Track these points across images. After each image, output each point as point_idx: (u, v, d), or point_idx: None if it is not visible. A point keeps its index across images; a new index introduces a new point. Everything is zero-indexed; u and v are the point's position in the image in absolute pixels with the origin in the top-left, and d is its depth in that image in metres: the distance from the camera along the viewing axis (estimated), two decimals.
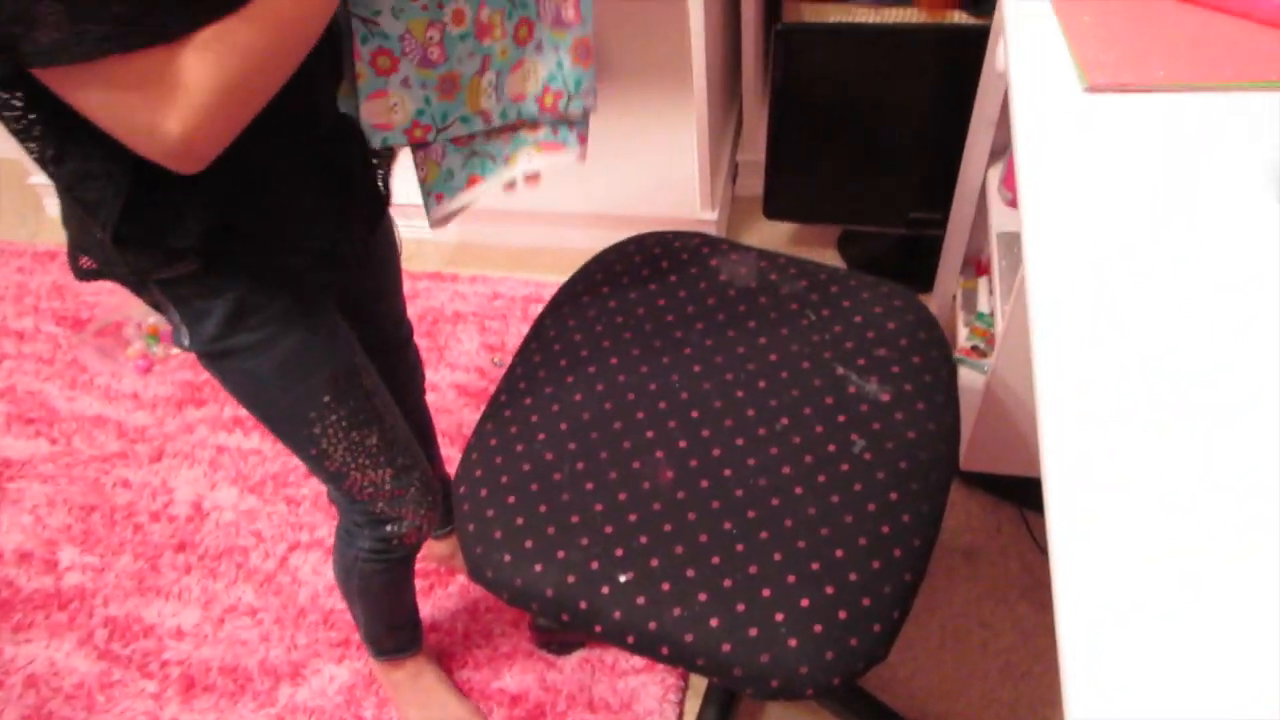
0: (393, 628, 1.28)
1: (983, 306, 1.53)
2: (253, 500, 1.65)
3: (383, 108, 0.87)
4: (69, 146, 0.68)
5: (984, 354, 1.47)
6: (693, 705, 1.36)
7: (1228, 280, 0.68)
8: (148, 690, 1.43)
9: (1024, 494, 1.52)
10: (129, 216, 0.71)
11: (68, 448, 1.77)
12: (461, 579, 1.51)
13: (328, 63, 0.81)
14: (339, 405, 0.92)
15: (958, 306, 1.61)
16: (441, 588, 1.50)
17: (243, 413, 1.79)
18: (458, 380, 1.81)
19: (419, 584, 1.50)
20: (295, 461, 1.69)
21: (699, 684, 1.37)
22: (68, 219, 0.80)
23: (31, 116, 0.65)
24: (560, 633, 1.40)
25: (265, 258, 0.81)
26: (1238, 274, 0.68)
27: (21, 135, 0.67)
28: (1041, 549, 1.49)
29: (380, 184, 0.95)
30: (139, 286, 0.82)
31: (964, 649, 1.41)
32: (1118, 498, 0.57)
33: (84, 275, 0.80)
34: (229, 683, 1.42)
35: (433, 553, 1.49)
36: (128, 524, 1.64)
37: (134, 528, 1.63)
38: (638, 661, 1.39)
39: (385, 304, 1.10)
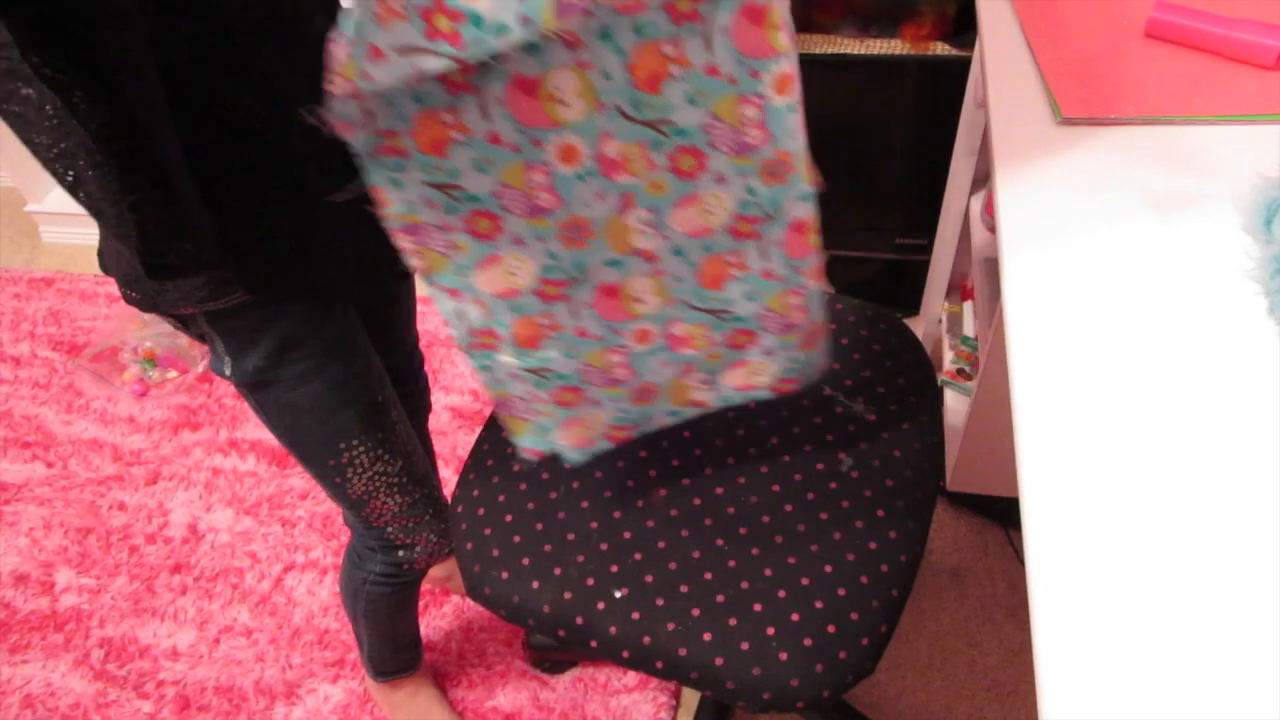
0: (396, 649, 1.30)
1: (968, 330, 1.56)
2: (248, 522, 1.67)
3: (500, 274, 0.71)
4: (89, 158, 0.68)
5: (969, 377, 1.51)
6: None
7: (1199, 305, 0.71)
8: (143, 710, 1.43)
9: (1011, 515, 1.55)
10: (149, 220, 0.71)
11: (64, 471, 1.78)
12: (456, 600, 1.53)
13: None
14: (368, 437, 0.94)
15: (943, 330, 1.64)
16: (436, 608, 1.52)
17: (238, 435, 1.80)
18: (452, 403, 1.83)
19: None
20: (290, 484, 1.71)
21: (690, 702, 1.39)
22: (106, 257, 0.82)
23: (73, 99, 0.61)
24: (553, 652, 1.41)
25: (297, 268, 0.81)
26: (1208, 299, 0.72)
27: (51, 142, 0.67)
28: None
29: None
30: (187, 320, 0.83)
31: (951, 668, 1.43)
32: (1095, 519, 0.59)
33: (138, 305, 0.82)
34: (224, 703, 1.43)
35: (429, 574, 1.50)
36: (124, 546, 1.65)
37: (130, 549, 1.64)
38: (630, 680, 1.41)
39: (399, 335, 1.13)
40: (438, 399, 1.82)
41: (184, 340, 1.96)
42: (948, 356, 1.57)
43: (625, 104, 0.63)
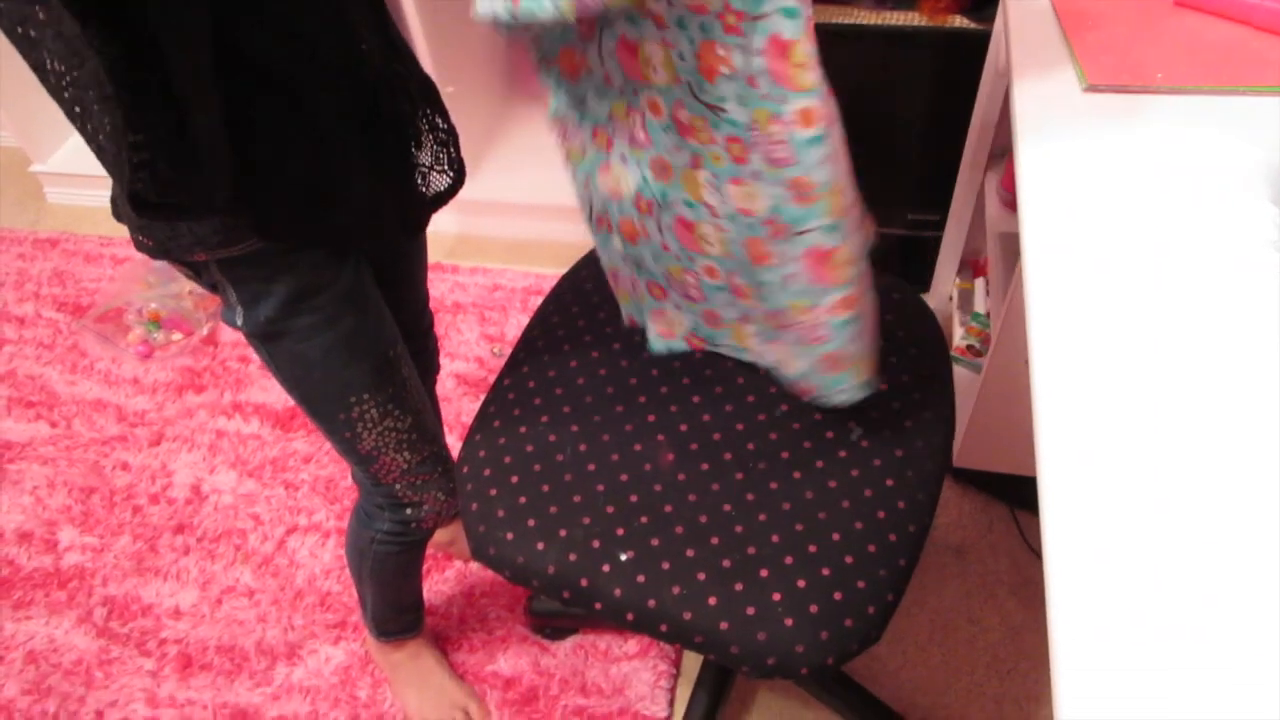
0: (400, 610, 1.30)
1: (979, 307, 1.55)
2: (251, 484, 1.66)
3: (611, 179, 0.86)
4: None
5: (979, 354, 1.49)
6: (684, 691, 1.37)
7: (1225, 281, 0.70)
8: (145, 668, 1.44)
9: (1015, 493, 1.55)
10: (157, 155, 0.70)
11: (68, 431, 1.78)
12: (458, 565, 1.53)
13: (366, 5, 0.81)
14: (378, 391, 0.93)
15: (954, 307, 1.63)
16: (439, 573, 1.52)
17: (242, 398, 1.80)
18: (458, 370, 1.82)
19: None
20: (294, 447, 1.71)
21: (690, 670, 1.39)
22: (119, 204, 0.81)
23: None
24: (555, 618, 1.42)
25: (310, 215, 0.80)
26: (1235, 275, 0.71)
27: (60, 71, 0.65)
28: (1031, 548, 1.51)
29: (446, 158, 0.95)
30: (199, 269, 0.83)
31: (952, 644, 1.43)
32: (1113, 498, 0.58)
33: (150, 252, 0.81)
34: (226, 661, 1.44)
35: (433, 539, 1.50)
36: (127, 506, 1.65)
37: (133, 509, 1.64)
38: (630, 647, 1.41)
39: (414, 291, 1.12)
40: (442, 365, 1.81)
41: (189, 303, 1.95)
42: (958, 333, 1.56)
43: (694, 84, 0.72)
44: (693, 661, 1.40)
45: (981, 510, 1.56)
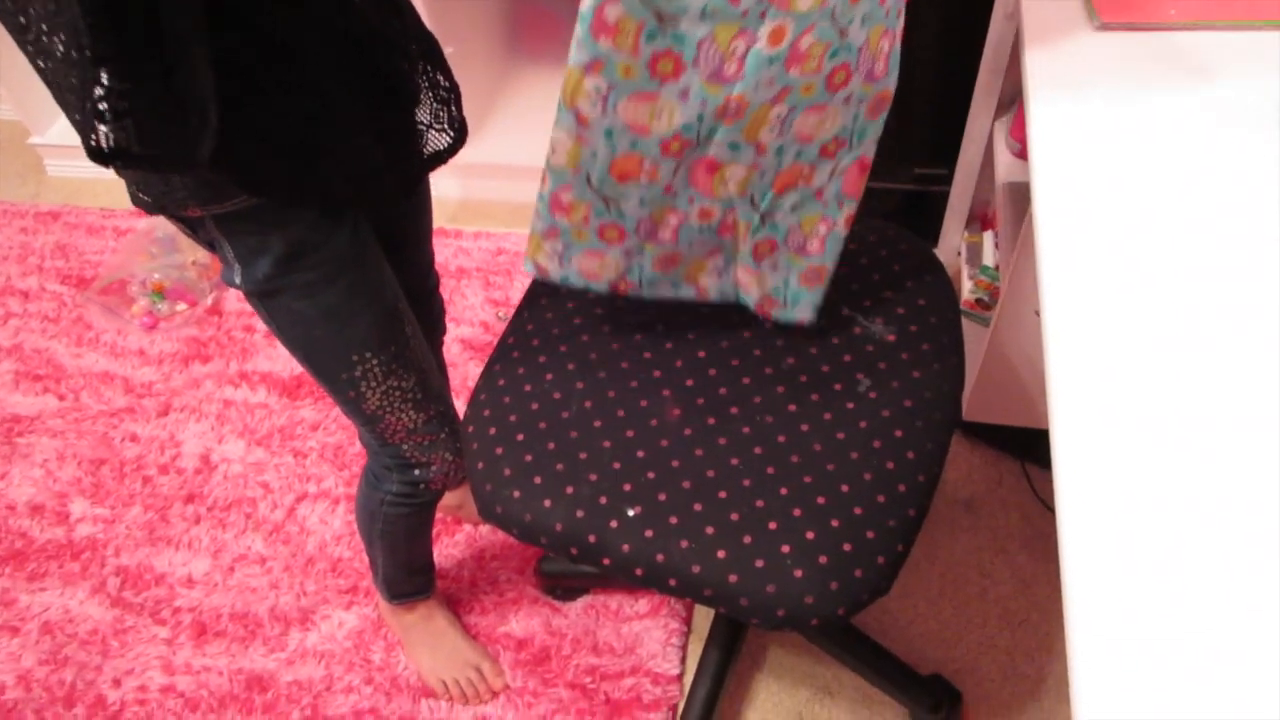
0: (411, 572, 1.30)
1: (987, 260, 1.53)
2: (260, 453, 1.67)
3: (646, 111, 0.75)
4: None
5: (987, 307, 1.48)
6: (695, 649, 1.38)
7: (1241, 223, 0.68)
8: (160, 636, 1.45)
9: (1026, 447, 1.54)
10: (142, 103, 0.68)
11: (76, 403, 1.78)
12: (468, 528, 1.53)
13: None
14: (381, 349, 0.92)
15: (962, 260, 1.61)
16: (449, 536, 1.52)
17: (249, 367, 1.80)
18: (463, 335, 1.81)
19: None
20: (301, 415, 1.71)
21: (701, 627, 1.40)
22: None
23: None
24: (565, 579, 1.42)
25: (299, 174, 0.79)
26: (1250, 216, 0.69)
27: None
28: (1042, 501, 1.50)
29: (446, 117, 0.93)
30: (195, 225, 0.82)
31: (963, 597, 1.43)
32: (1127, 449, 0.57)
33: (147, 208, 0.80)
34: (239, 628, 1.45)
35: (441, 503, 1.50)
36: (137, 476, 1.65)
37: (143, 480, 1.65)
38: (641, 606, 1.41)
39: (418, 251, 1.10)
40: (448, 331, 1.81)
41: (192, 273, 1.94)
42: (966, 286, 1.54)
43: (840, 6, 0.70)
44: (704, 619, 1.41)
45: (992, 464, 1.56)
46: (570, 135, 0.78)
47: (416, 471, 1.07)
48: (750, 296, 0.93)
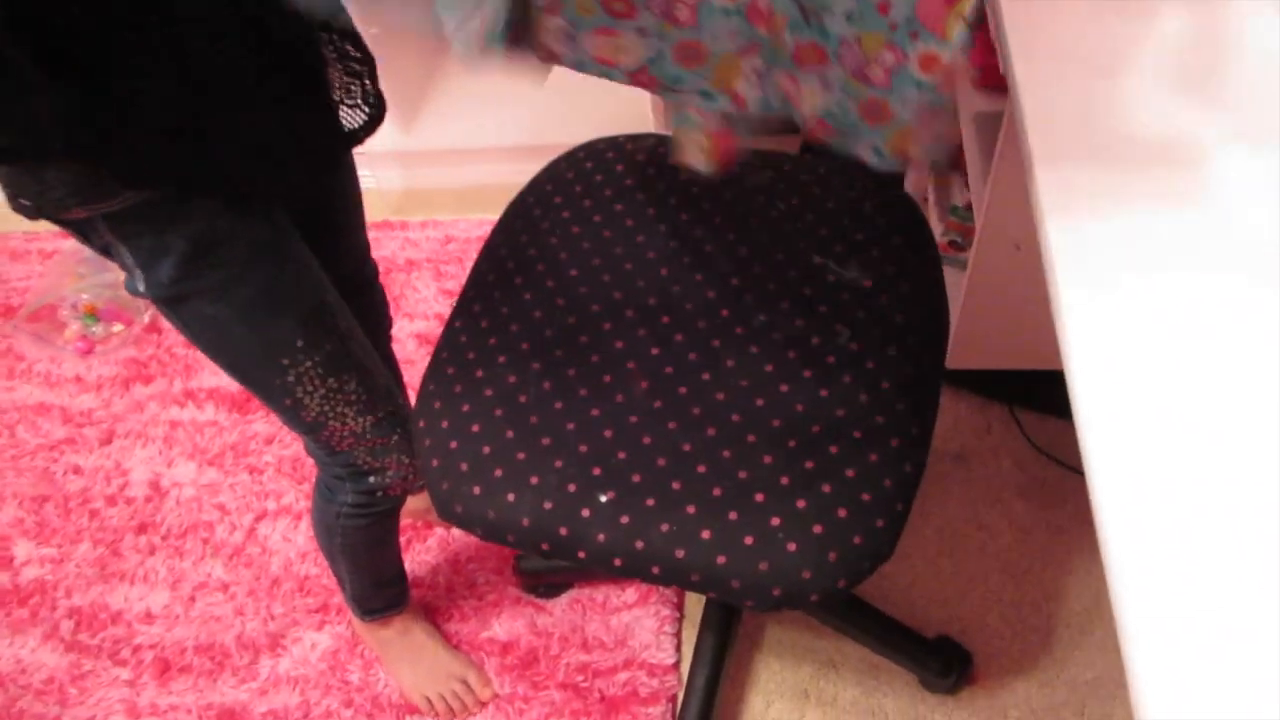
0: (380, 585, 1.22)
1: (957, 200, 1.47)
2: (213, 473, 1.57)
3: (609, 46, 0.76)
4: None
5: (962, 249, 1.42)
6: (690, 634, 1.31)
7: (1249, 120, 0.62)
8: (121, 678, 1.36)
9: (1013, 390, 1.48)
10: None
11: (12, 439, 1.68)
12: (439, 532, 1.45)
13: None
14: (313, 349, 0.85)
15: (930, 204, 1.55)
16: (419, 542, 1.44)
17: (194, 384, 1.70)
18: (417, 330, 1.73)
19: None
20: (254, 429, 1.62)
21: (695, 612, 1.33)
22: None
23: None
24: (546, 575, 1.34)
25: (180, 156, 0.70)
26: (1258, 113, 0.62)
27: None
28: (1035, 446, 1.45)
29: (360, 91, 0.85)
30: (87, 231, 0.74)
31: (962, 554, 1.37)
32: (1148, 378, 0.50)
33: (27, 213, 0.72)
34: (206, 661, 1.36)
35: (408, 508, 1.42)
36: (83, 511, 1.56)
37: (90, 514, 1.55)
38: (629, 596, 1.34)
39: (347, 239, 1.02)
40: (401, 327, 1.72)
41: (125, 291, 1.83)
42: (937, 230, 1.48)
43: None
44: (697, 603, 1.34)
45: (978, 412, 1.50)
46: None
47: (371, 479, 0.99)
48: (799, 112, 0.80)
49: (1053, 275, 0.55)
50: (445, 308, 1.76)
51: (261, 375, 0.84)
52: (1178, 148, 0.60)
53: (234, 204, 0.75)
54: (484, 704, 1.27)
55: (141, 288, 0.76)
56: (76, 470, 1.61)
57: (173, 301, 0.77)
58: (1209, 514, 0.46)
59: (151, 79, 0.64)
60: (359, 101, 0.85)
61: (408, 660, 1.29)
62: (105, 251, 0.76)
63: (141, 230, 0.72)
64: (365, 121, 0.86)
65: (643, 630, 1.31)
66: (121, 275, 1.81)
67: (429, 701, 1.27)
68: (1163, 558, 0.45)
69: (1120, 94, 0.64)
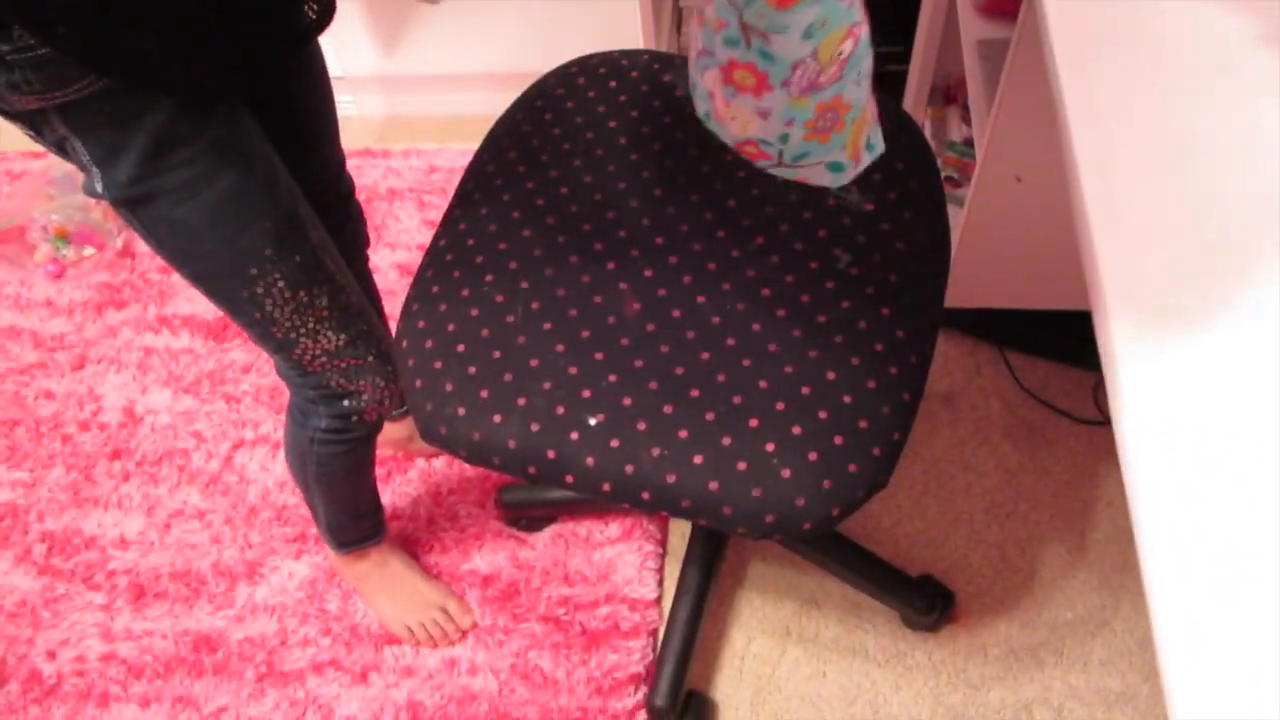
0: (356, 515, 1.20)
1: (953, 135, 1.44)
2: (188, 401, 1.54)
3: None
4: None
5: (959, 184, 1.39)
6: (672, 570, 1.30)
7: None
8: (95, 602, 1.34)
9: (1003, 332, 1.46)
10: None
11: None
12: (421, 463, 1.43)
13: None
14: (283, 260, 0.81)
15: (927, 139, 1.51)
16: (400, 474, 1.42)
17: (169, 311, 1.66)
18: (399, 260, 1.69)
19: (376, 472, 1.42)
20: (230, 358, 1.58)
21: (678, 548, 1.32)
22: None
23: None
24: (529, 508, 1.33)
25: (103, 27, 0.65)
26: None
27: None
28: (1024, 388, 1.44)
29: None
30: (39, 125, 0.69)
31: (948, 493, 1.37)
32: (1182, 319, 0.48)
33: None
34: (181, 588, 1.34)
35: (388, 437, 1.40)
36: (55, 436, 1.52)
37: (62, 439, 1.51)
38: (613, 531, 1.32)
39: (321, 152, 0.98)
40: (383, 257, 1.68)
41: (97, 213, 1.77)
42: None
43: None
44: (680, 540, 1.33)
45: (968, 354, 1.48)
46: None
47: (346, 402, 0.96)
48: (727, 131, 0.75)
49: (1079, 196, 0.53)
50: (428, 238, 1.71)
51: (229, 287, 0.81)
52: (1208, 48, 0.58)
53: (191, 99, 0.70)
54: (465, 634, 1.26)
55: (99, 188, 0.72)
56: (48, 395, 1.57)
57: (133, 203, 0.73)
58: (1243, 472, 0.44)
59: None
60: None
61: (386, 591, 1.27)
62: (60, 148, 0.71)
63: (98, 122, 0.68)
64: (314, 20, 0.81)
65: (625, 565, 1.30)
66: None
67: (409, 631, 1.25)
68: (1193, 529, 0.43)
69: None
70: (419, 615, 1.26)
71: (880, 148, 0.75)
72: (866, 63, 0.68)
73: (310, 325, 0.85)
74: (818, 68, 0.65)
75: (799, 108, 0.68)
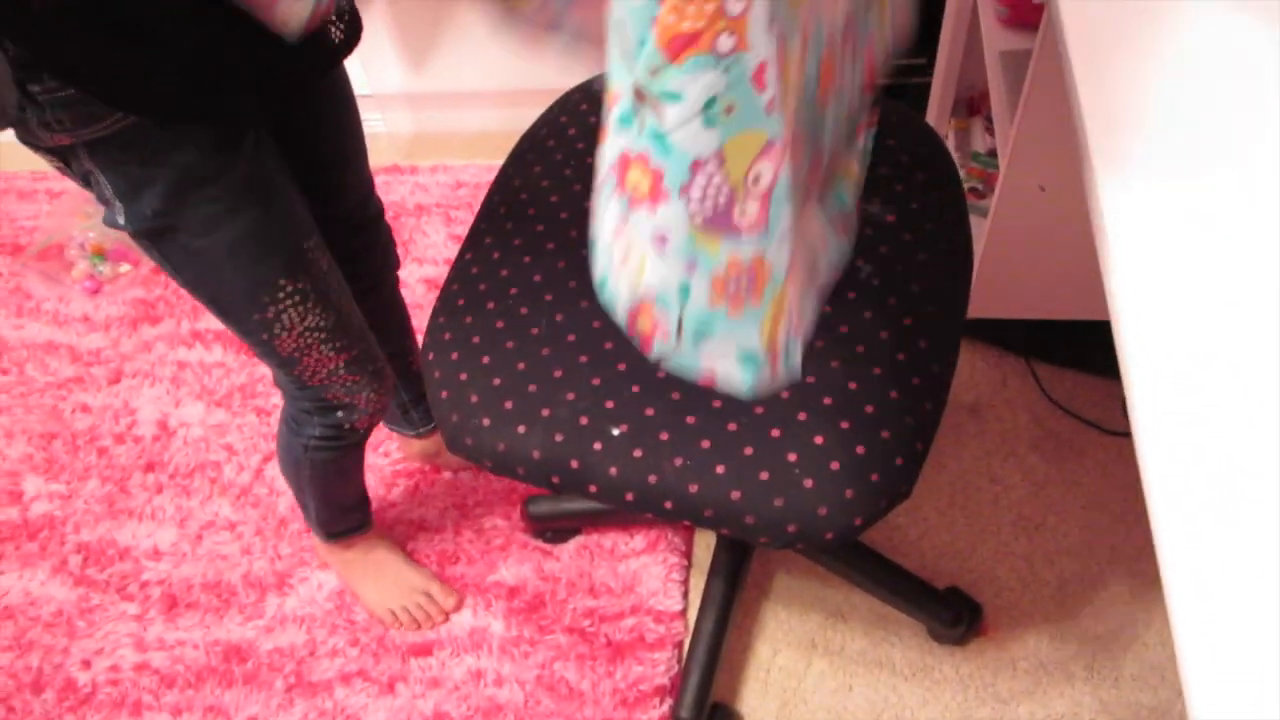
0: (345, 510, 1.24)
1: (977, 146, 1.43)
2: (220, 414, 1.56)
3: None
4: None
5: (983, 195, 1.39)
6: (697, 582, 1.30)
7: None
8: (129, 612, 1.36)
9: (1030, 343, 1.45)
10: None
11: (20, 377, 1.67)
12: (448, 476, 1.44)
13: None
14: (294, 288, 0.84)
15: (951, 150, 1.51)
16: (428, 486, 1.43)
17: (201, 326, 1.69)
18: (427, 275, 1.71)
19: (403, 485, 1.44)
20: (261, 371, 1.60)
21: (703, 560, 1.32)
22: None
23: None
24: (554, 520, 1.33)
25: (121, 64, 0.66)
26: None
27: None
28: (1052, 400, 1.43)
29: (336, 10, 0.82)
30: (68, 158, 0.71)
31: (974, 505, 1.36)
32: (1198, 321, 0.48)
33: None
34: (213, 598, 1.36)
35: (415, 451, 1.42)
36: (91, 448, 1.55)
37: (98, 452, 1.54)
38: (638, 543, 1.33)
39: (349, 175, 1.00)
40: (410, 271, 1.70)
41: None
42: None
43: None
44: (705, 551, 1.33)
45: (995, 365, 1.47)
46: None
47: (339, 414, 0.99)
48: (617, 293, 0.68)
49: (1095, 199, 0.53)
50: (454, 253, 1.73)
51: (241, 310, 0.84)
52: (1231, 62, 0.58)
53: (222, 136, 0.72)
54: (447, 615, 1.28)
55: (121, 220, 0.74)
56: (85, 408, 1.60)
57: (156, 235, 0.75)
58: (1258, 460, 0.44)
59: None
60: (334, 20, 0.82)
61: (370, 577, 1.29)
62: (85, 181, 0.74)
63: (125, 159, 0.70)
64: (343, 40, 0.83)
65: (650, 577, 1.30)
66: None
67: (394, 614, 1.28)
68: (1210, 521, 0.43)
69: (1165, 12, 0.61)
70: (403, 599, 1.28)
71: (798, 370, 0.68)
72: (794, 224, 0.56)
73: (313, 346, 0.88)
74: (727, 187, 0.54)
75: (705, 249, 0.57)
